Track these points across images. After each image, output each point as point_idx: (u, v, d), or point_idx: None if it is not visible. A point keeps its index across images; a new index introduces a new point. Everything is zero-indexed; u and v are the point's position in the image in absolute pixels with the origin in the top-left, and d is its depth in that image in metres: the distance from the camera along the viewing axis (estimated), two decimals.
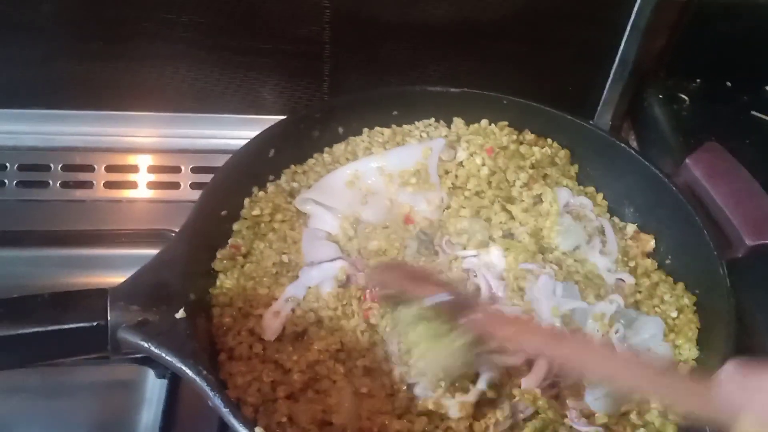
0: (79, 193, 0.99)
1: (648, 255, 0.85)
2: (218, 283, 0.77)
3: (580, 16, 0.96)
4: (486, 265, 0.79)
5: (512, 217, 0.83)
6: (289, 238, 0.83)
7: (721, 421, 0.44)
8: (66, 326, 0.64)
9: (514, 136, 0.91)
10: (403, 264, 0.76)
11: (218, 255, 0.79)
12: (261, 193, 0.85)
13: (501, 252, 0.79)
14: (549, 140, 0.92)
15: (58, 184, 0.99)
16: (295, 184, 0.87)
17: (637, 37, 0.97)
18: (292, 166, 0.89)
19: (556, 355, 0.64)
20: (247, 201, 0.83)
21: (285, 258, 0.80)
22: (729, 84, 1.04)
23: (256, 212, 0.83)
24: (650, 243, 0.85)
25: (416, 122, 0.93)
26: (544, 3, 0.94)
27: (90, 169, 1.01)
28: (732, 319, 0.70)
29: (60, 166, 1.00)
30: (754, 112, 1.01)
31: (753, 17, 0.98)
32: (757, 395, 0.42)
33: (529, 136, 0.91)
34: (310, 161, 0.90)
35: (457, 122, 0.93)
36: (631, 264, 0.83)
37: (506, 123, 0.92)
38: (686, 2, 0.97)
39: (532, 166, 0.88)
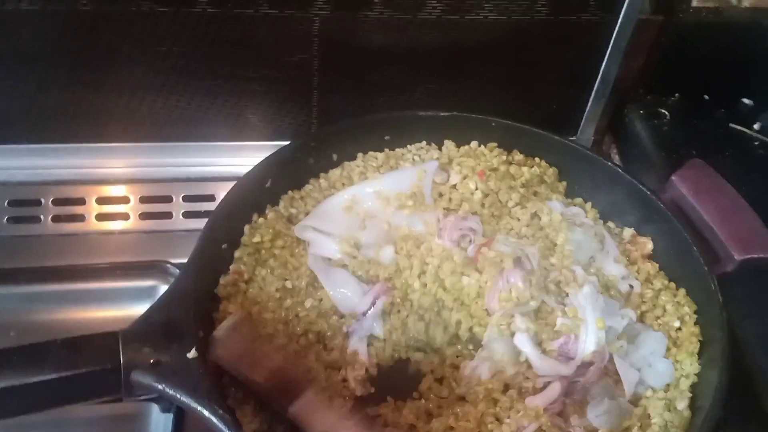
0: (72, 227, 0.98)
1: (648, 258, 0.86)
2: (221, 308, 0.78)
3: (563, 39, 0.98)
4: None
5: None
6: (289, 264, 0.84)
7: None
8: (79, 371, 0.64)
9: (504, 157, 0.93)
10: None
11: (221, 281, 0.79)
12: (261, 220, 0.86)
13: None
14: (537, 159, 0.94)
15: (49, 219, 0.98)
16: (293, 210, 0.88)
17: (618, 57, 1.00)
18: (290, 192, 0.89)
19: None
20: (247, 228, 0.84)
21: (288, 284, 0.81)
22: (707, 98, 1.08)
23: (256, 239, 0.84)
24: (648, 245, 0.86)
25: (408, 146, 0.95)
26: (529, 27, 0.96)
27: (81, 202, 1.00)
28: (725, 333, 0.73)
29: (51, 200, 0.99)
30: (732, 125, 1.05)
31: (727, 35, 1.02)
32: None
33: (518, 156, 0.94)
34: (307, 187, 0.91)
35: (448, 144, 0.95)
36: (634, 269, 0.85)
37: (495, 144, 0.94)
38: (664, 23, 1.00)
39: (523, 186, 0.90)
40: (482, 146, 0.94)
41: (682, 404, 0.72)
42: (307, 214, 0.88)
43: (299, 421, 0.67)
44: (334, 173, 0.92)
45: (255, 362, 0.70)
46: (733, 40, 1.02)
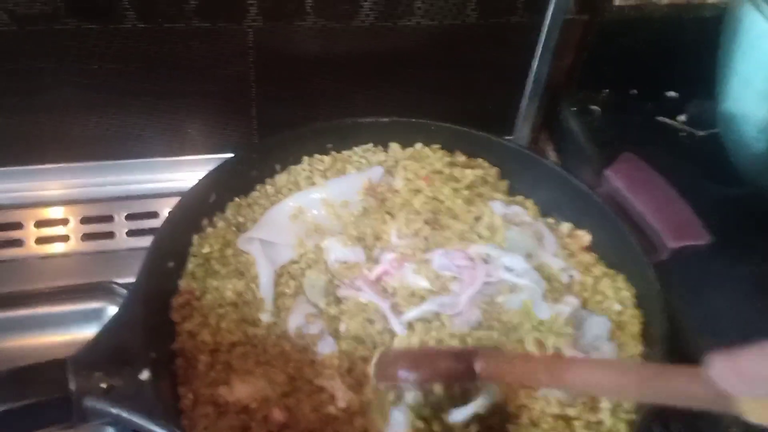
0: (10, 253, 0.95)
1: (587, 249, 0.88)
2: (177, 330, 0.77)
3: (494, 42, 1.01)
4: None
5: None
6: (245, 270, 0.83)
7: (720, 407, 0.49)
8: (28, 402, 0.63)
9: (447, 159, 0.94)
10: (402, 353, 0.74)
11: (173, 304, 0.79)
12: (209, 230, 0.85)
13: None
14: (479, 160, 0.96)
15: None
16: (241, 219, 0.88)
17: (548, 57, 1.03)
18: (236, 199, 0.89)
19: (560, 384, 0.65)
20: (196, 238, 0.84)
21: (241, 287, 0.81)
22: (635, 92, 1.12)
23: (206, 250, 0.83)
24: (586, 238, 0.88)
25: (354, 148, 0.95)
26: (460, 31, 0.98)
27: (18, 226, 0.98)
28: (665, 318, 0.75)
29: None
30: (659, 118, 1.09)
31: (650, 31, 1.06)
32: (752, 378, 0.46)
33: (461, 157, 0.95)
34: (254, 194, 0.90)
35: (394, 147, 0.96)
36: (574, 260, 0.87)
37: (439, 146, 0.96)
38: (589, 21, 1.04)
39: (467, 188, 0.91)
40: (426, 148, 0.96)
41: None
42: (254, 221, 0.88)
43: None
44: (281, 178, 0.92)
45: None
46: (655, 35, 1.06)
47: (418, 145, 0.96)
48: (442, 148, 0.96)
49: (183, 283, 0.80)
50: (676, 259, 0.81)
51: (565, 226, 0.91)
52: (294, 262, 0.85)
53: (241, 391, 0.73)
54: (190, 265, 0.82)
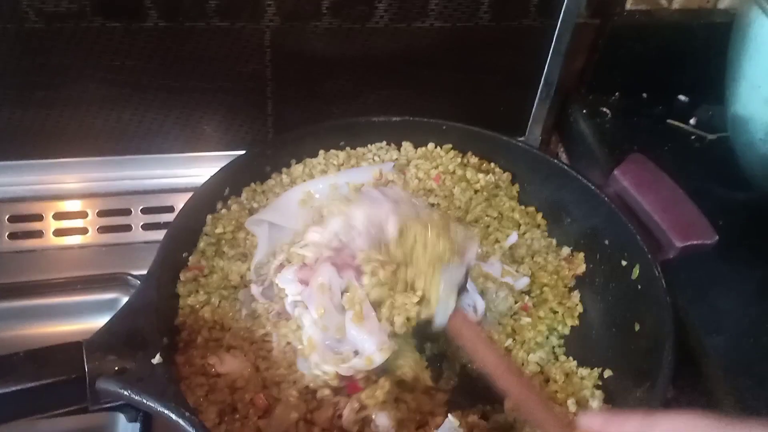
0: (29, 243, 0.98)
1: (576, 278, 0.90)
2: (181, 302, 0.79)
3: (506, 44, 1.02)
4: None
5: None
6: (249, 254, 0.86)
7: None
8: (44, 382, 0.65)
9: (459, 159, 0.96)
10: None
11: (181, 277, 0.81)
12: (223, 211, 0.88)
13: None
14: (492, 165, 0.97)
15: (6, 236, 0.98)
16: (255, 204, 0.90)
17: (559, 59, 1.04)
18: (252, 185, 0.92)
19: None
20: (209, 218, 0.86)
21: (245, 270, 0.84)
22: (645, 96, 1.13)
23: (219, 230, 0.86)
24: (582, 266, 0.90)
25: (369, 145, 0.97)
26: (473, 33, 0.99)
27: (38, 218, 1.00)
28: (670, 316, 0.76)
29: (7, 217, 0.99)
30: (669, 121, 1.10)
31: (659, 35, 1.07)
32: None
33: (473, 159, 0.97)
34: (270, 182, 0.93)
35: (406, 146, 0.98)
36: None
37: (450, 146, 0.97)
38: (601, 26, 1.05)
39: (477, 192, 0.94)
40: (438, 148, 0.97)
41: None
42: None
43: None
44: (297, 169, 0.94)
45: None
46: (666, 40, 1.07)
47: (431, 145, 0.98)
48: (454, 149, 0.97)
49: (192, 259, 0.83)
50: (683, 259, 0.81)
51: (566, 250, 0.92)
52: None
53: (229, 364, 0.75)
54: (202, 243, 0.85)
